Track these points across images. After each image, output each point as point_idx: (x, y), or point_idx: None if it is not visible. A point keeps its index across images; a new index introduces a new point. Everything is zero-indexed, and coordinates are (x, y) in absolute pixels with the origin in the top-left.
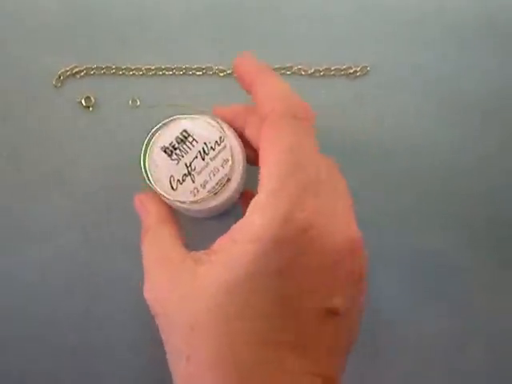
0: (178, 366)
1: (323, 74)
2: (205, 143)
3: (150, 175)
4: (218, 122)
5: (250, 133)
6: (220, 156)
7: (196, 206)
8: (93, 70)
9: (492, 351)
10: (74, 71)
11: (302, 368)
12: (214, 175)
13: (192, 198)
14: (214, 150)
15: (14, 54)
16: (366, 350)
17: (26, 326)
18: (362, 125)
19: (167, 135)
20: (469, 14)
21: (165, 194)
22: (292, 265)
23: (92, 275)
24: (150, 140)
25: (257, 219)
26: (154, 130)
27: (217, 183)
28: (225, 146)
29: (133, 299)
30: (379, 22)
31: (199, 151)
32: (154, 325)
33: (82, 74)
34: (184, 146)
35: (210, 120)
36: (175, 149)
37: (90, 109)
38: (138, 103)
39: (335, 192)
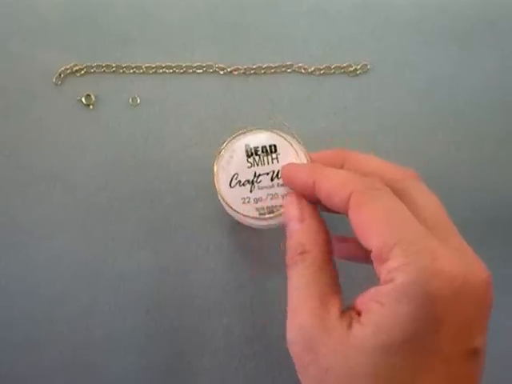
0: None
1: (323, 72)
2: (283, 168)
3: (219, 159)
4: (307, 159)
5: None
6: (287, 188)
7: (237, 216)
8: (93, 68)
9: None
10: (74, 69)
11: None
12: (271, 199)
13: (239, 207)
14: None
15: (15, 52)
16: None
17: (26, 325)
18: (361, 122)
19: (258, 139)
20: (469, 14)
21: (218, 183)
22: (445, 315)
23: (92, 274)
24: (241, 133)
25: (399, 278)
26: (249, 129)
27: (268, 207)
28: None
29: (134, 297)
30: (380, 21)
31: (273, 171)
32: (155, 323)
33: (83, 72)
34: (264, 158)
35: (300, 152)
36: (256, 154)
37: (91, 107)
38: (139, 101)
39: (451, 233)
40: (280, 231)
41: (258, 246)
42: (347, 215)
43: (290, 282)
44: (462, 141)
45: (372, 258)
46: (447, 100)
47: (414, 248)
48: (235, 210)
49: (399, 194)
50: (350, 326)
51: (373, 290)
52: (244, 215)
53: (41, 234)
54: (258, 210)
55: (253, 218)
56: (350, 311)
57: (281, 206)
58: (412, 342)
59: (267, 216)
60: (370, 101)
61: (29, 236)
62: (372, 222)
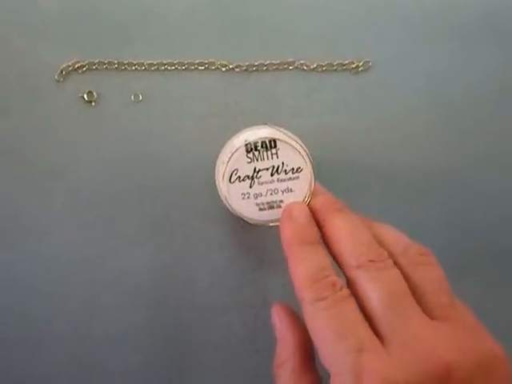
0: None
1: (325, 69)
2: (283, 163)
3: (219, 155)
4: (309, 159)
5: None
6: (287, 183)
7: (236, 212)
8: (95, 64)
9: None
10: (76, 66)
11: None
12: (271, 194)
13: (239, 203)
14: (286, 173)
15: (16, 49)
16: None
17: (26, 324)
18: (363, 119)
19: (258, 134)
20: (472, 11)
21: (218, 179)
22: None
23: (93, 271)
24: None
25: None
26: (251, 127)
27: (268, 202)
28: (297, 178)
29: (134, 295)
30: (382, 18)
31: (273, 166)
32: (155, 320)
33: (85, 68)
34: (264, 153)
35: (300, 149)
36: (256, 150)
37: (93, 104)
38: (141, 98)
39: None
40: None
41: (259, 243)
42: None
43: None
44: (464, 137)
45: None
46: (449, 97)
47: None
48: (235, 206)
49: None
50: None
51: None
52: (244, 211)
53: (41, 230)
54: (257, 205)
55: (253, 213)
56: None
57: (281, 201)
58: None
59: (267, 211)
60: (371, 97)
61: (29, 233)
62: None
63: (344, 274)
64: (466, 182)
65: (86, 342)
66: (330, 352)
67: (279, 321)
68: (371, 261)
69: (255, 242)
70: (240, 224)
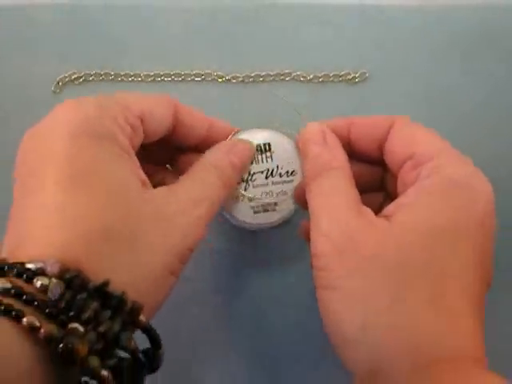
0: None
1: (322, 80)
2: (277, 166)
3: None
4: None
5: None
6: (282, 186)
7: (231, 215)
8: (91, 76)
9: None
10: (73, 77)
11: None
12: (266, 197)
13: (233, 206)
14: (281, 177)
15: (13, 61)
16: None
17: None
18: None
19: (252, 137)
20: (471, 23)
21: None
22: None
23: None
24: (235, 132)
25: (447, 169)
26: (244, 130)
27: (262, 205)
28: (292, 181)
29: None
30: (379, 29)
31: (268, 169)
32: (158, 319)
33: (81, 80)
34: (259, 156)
35: (295, 153)
36: None
37: None
38: None
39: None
40: (278, 230)
41: (257, 248)
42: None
43: (319, 191)
44: (461, 150)
45: (404, 168)
46: (446, 110)
47: (457, 154)
48: (229, 209)
49: None
50: (389, 220)
51: (406, 193)
52: (238, 213)
53: None
54: (252, 208)
55: (247, 216)
56: (380, 215)
57: (275, 204)
58: (461, 230)
59: (262, 214)
60: (368, 109)
61: None
62: (418, 136)
63: None
64: None
65: None
66: None
67: (321, 131)
68: None
69: (253, 248)
70: (237, 229)
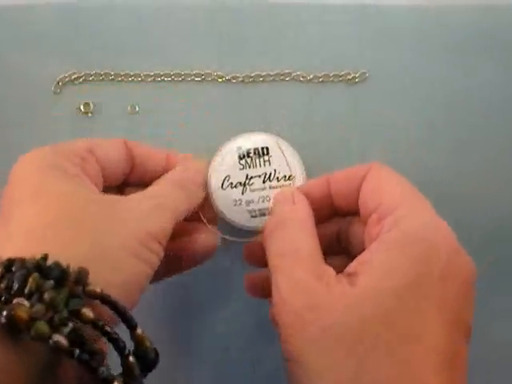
0: None
1: (322, 80)
2: (275, 170)
3: (212, 162)
4: (301, 167)
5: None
6: (279, 190)
7: (228, 218)
8: (92, 76)
9: None
10: (72, 77)
11: None
12: (263, 201)
13: (231, 209)
14: (278, 181)
15: (13, 60)
16: None
17: None
18: (360, 131)
19: (250, 141)
20: (469, 23)
21: (210, 185)
22: (449, 268)
23: None
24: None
25: (406, 223)
26: (242, 134)
27: (259, 209)
28: (289, 185)
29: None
30: (379, 29)
31: (265, 173)
32: (153, 332)
33: (81, 80)
34: (257, 160)
35: (293, 157)
36: (248, 157)
37: (89, 115)
38: (137, 109)
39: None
40: None
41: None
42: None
43: (276, 248)
44: (462, 151)
45: (368, 221)
46: (446, 109)
47: (420, 204)
48: (226, 212)
49: None
50: (350, 281)
51: (369, 248)
52: (235, 217)
53: None
54: (249, 212)
55: (244, 220)
56: (342, 274)
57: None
58: (422, 285)
59: (258, 218)
60: (368, 109)
61: None
62: (384, 187)
63: None
64: (466, 192)
65: None
66: None
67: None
68: None
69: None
70: (235, 232)
